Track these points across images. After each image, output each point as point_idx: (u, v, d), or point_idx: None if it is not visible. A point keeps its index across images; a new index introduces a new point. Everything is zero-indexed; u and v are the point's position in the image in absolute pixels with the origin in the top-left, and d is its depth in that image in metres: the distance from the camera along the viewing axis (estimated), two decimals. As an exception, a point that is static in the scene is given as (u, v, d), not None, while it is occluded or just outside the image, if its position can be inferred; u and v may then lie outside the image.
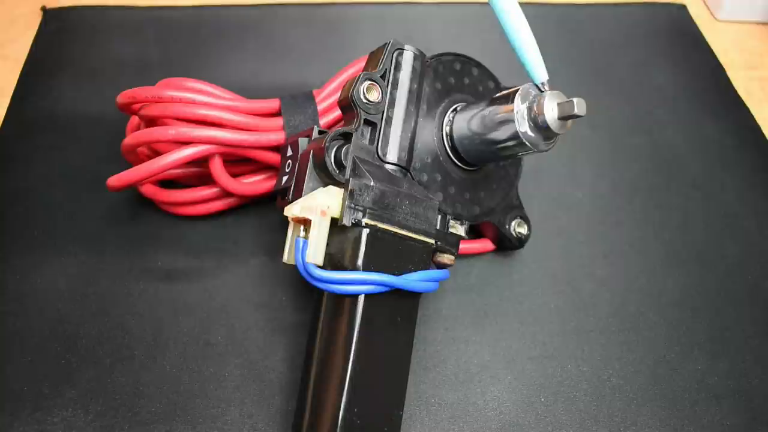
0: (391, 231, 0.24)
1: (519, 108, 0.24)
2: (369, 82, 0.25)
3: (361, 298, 0.23)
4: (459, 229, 0.28)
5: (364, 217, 0.23)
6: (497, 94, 0.25)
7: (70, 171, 0.34)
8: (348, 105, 0.25)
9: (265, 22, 0.44)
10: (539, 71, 0.24)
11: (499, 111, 0.24)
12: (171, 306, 0.30)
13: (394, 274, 0.23)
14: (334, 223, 0.23)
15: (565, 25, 0.46)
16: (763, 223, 0.35)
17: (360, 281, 0.22)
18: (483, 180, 0.29)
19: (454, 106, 0.28)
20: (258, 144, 0.29)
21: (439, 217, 0.27)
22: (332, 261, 0.23)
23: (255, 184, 0.31)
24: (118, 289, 0.30)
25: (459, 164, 0.28)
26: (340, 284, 0.22)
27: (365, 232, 0.23)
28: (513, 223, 0.31)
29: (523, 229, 0.31)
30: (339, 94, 0.26)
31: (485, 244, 0.32)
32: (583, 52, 0.44)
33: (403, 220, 0.24)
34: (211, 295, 0.30)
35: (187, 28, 0.43)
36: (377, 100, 0.25)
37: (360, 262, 0.23)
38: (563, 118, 0.23)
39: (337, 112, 0.31)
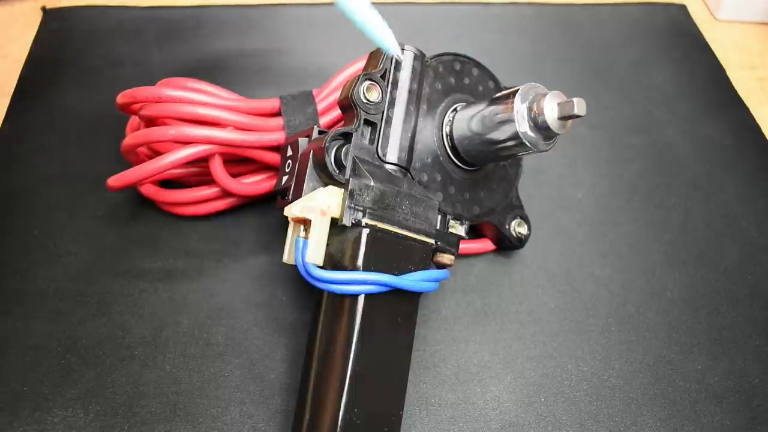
0: (391, 231, 0.24)
1: (519, 108, 0.24)
2: (369, 82, 0.25)
3: (361, 298, 0.23)
4: (459, 229, 0.28)
5: (364, 217, 0.23)
6: (497, 94, 0.25)
7: (70, 171, 0.34)
8: (348, 105, 0.25)
9: (265, 22, 0.44)
10: (392, 46, 0.24)
11: (499, 111, 0.24)
12: (171, 306, 0.30)
13: (394, 274, 0.23)
14: (334, 223, 0.23)
15: (565, 25, 0.46)
16: (763, 223, 0.35)
17: (360, 281, 0.22)
18: (483, 180, 0.29)
19: (454, 106, 0.28)
20: (258, 144, 0.29)
21: (439, 217, 0.27)
22: (332, 261, 0.23)
23: (255, 184, 0.31)
24: (118, 289, 0.30)
25: (459, 164, 0.28)
26: (340, 284, 0.22)
27: (365, 232, 0.23)
28: (513, 223, 0.31)
29: (523, 229, 0.31)
30: (339, 94, 0.26)
31: (485, 244, 0.32)
32: (583, 52, 0.44)
33: (403, 220, 0.24)
34: (211, 295, 0.30)
35: (187, 28, 0.43)
36: (377, 100, 0.25)
37: (360, 262, 0.23)
38: (563, 118, 0.23)
39: (337, 112, 0.31)
